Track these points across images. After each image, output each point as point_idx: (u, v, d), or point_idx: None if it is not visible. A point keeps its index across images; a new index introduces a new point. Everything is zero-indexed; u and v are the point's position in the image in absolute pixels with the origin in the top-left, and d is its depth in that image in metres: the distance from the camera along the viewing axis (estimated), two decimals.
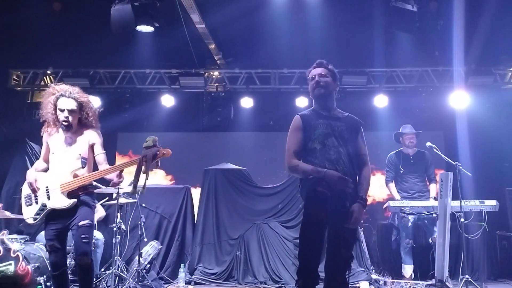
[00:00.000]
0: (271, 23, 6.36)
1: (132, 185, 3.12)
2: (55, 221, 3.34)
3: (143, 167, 3.08)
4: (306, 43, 6.93)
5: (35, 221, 3.37)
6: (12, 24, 6.09)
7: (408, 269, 5.17)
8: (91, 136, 3.50)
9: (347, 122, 3.03)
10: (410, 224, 5.13)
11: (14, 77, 7.37)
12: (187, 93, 7.51)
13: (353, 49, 7.14)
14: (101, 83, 7.34)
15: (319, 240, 2.79)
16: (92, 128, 3.53)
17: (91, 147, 3.49)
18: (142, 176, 3.12)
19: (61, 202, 3.29)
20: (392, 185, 5.44)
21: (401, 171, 5.43)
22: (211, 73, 7.60)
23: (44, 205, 3.33)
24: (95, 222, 4.78)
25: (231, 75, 7.50)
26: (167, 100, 7.35)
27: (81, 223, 3.27)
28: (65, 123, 3.41)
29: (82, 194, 3.37)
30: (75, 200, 3.30)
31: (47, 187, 3.35)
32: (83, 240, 3.25)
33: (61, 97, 3.42)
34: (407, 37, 6.29)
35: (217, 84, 7.58)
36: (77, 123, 3.49)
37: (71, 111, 3.42)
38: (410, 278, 5.14)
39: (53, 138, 3.49)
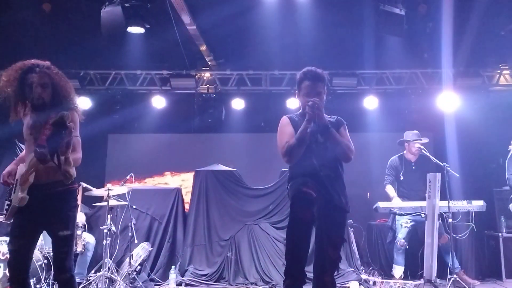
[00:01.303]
0: (262, 25, 6.37)
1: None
2: (26, 215, 2.78)
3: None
4: (297, 45, 6.97)
5: (4, 217, 2.91)
6: (1, 24, 6.05)
7: (399, 270, 5.21)
8: None
9: (331, 121, 3.11)
10: (409, 226, 5.12)
11: (3, 78, 7.30)
12: (178, 94, 7.50)
13: (343, 51, 7.19)
14: (91, 84, 7.30)
15: (305, 240, 2.83)
16: (68, 109, 2.90)
17: None
18: None
19: (15, 197, 2.76)
20: (389, 187, 5.40)
21: (401, 178, 5.37)
22: (202, 74, 7.60)
23: (10, 201, 2.84)
24: (80, 225, 4.76)
25: (222, 76, 7.51)
26: (158, 102, 7.33)
27: (60, 233, 2.79)
28: (39, 101, 2.87)
29: (60, 191, 2.83)
30: (24, 196, 2.72)
31: (17, 179, 2.85)
32: (62, 255, 2.80)
33: (30, 72, 2.92)
34: (396, 39, 6.34)
35: (208, 85, 7.58)
36: (50, 104, 2.91)
37: (43, 86, 2.89)
38: (399, 278, 5.19)
39: (25, 121, 2.96)
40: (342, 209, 3.00)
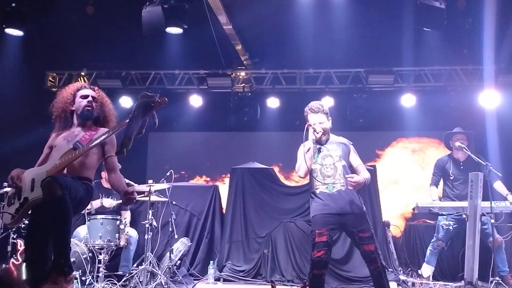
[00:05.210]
0: (297, 24, 6.39)
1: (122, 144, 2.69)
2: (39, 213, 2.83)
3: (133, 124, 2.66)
4: (331, 43, 6.94)
5: (12, 220, 2.92)
6: (48, 27, 6.31)
7: (428, 270, 5.10)
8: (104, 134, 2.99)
9: (338, 143, 3.61)
10: (450, 228, 5.01)
11: (50, 78, 7.63)
12: (214, 93, 7.63)
13: (379, 48, 7.10)
14: (132, 84, 7.55)
15: (327, 248, 3.30)
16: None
17: (101, 146, 3.07)
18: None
19: (39, 190, 2.78)
20: (433, 188, 5.24)
21: (451, 178, 5.15)
22: (238, 73, 7.70)
23: (26, 199, 2.86)
24: (123, 221, 4.90)
25: (258, 75, 7.59)
26: (195, 100, 7.50)
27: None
28: (88, 108, 3.12)
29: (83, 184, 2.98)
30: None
31: (33, 179, 2.92)
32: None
33: (82, 88, 3.23)
34: (435, 36, 6.22)
35: (243, 84, 7.68)
36: (95, 120, 3.19)
37: (94, 99, 3.18)
38: (428, 279, 5.10)
39: (60, 136, 3.13)
40: (357, 212, 3.41)
